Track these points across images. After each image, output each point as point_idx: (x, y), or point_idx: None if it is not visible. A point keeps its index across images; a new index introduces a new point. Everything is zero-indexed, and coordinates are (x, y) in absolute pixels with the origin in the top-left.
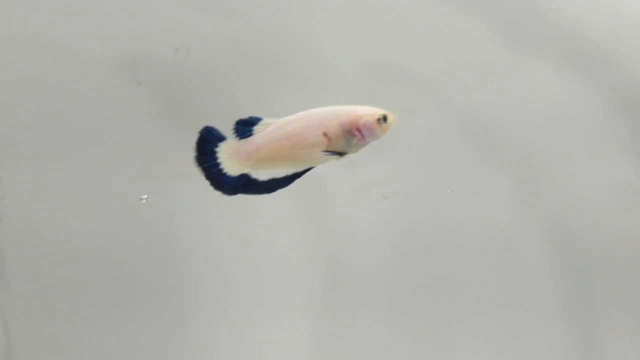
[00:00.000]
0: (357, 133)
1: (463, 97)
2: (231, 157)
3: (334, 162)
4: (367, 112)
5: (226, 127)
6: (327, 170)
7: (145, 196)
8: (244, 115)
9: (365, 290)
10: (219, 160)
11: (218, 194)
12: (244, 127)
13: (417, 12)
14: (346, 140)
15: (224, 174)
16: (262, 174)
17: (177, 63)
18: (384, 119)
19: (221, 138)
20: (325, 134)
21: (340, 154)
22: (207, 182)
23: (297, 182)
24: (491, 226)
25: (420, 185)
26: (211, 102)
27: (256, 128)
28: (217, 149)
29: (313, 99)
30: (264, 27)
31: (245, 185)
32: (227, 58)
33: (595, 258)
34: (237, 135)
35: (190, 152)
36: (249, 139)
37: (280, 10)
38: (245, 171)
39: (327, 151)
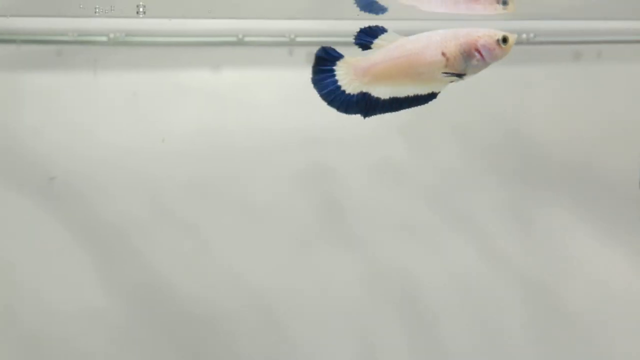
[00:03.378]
0: (476, 54)
1: None
2: (348, 74)
3: None
4: (486, 33)
5: None
6: None
7: None
8: None
9: None
10: (336, 78)
11: None
12: (366, 37)
13: None
14: (465, 61)
15: (343, 92)
16: (383, 93)
17: None
18: (504, 40)
19: (338, 57)
20: (443, 54)
21: (460, 75)
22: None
23: None
24: None
25: None
26: None
27: (376, 42)
28: (335, 67)
29: None
30: None
31: (366, 103)
32: None
33: None
34: (356, 43)
35: None
36: (367, 56)
37: None
38: (363, 88)
39: (447, 73)
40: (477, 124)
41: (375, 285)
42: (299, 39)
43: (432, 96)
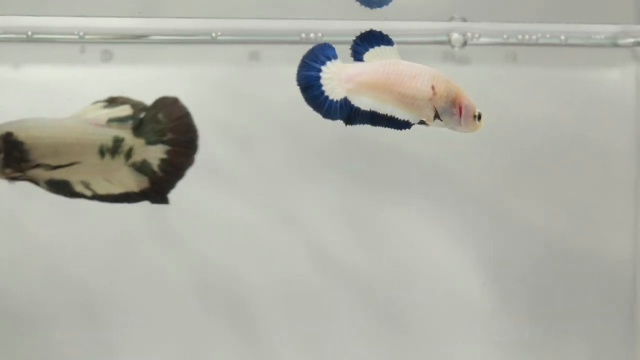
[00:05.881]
0: (456, 108)
1: None
2: (333, 79)
3: None
4: (471, 101)
5: None
6: None
7: None
8: None
9: None
10: (321, 81)
11: None
12: (361, 46)
13: None
14: (446, 107)
15: (326, 96)
16: (364, 104)
17: None
18: (479, 117)
19: (331, 57)
20: (433, 88)
21: (437, 116)
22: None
23: None
24: None
25: None
26: None
27: (369, 52)
28: (324, 67)
29: None
30: None
31: (348, 111)
32: None
33: None
34: (352, 49)
35: None
36: (356, 62)
37: None
38: (344, 94)
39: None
40: (309, 123)
41: (199, 285)
42: (88, 37)
43: (406, 124)
